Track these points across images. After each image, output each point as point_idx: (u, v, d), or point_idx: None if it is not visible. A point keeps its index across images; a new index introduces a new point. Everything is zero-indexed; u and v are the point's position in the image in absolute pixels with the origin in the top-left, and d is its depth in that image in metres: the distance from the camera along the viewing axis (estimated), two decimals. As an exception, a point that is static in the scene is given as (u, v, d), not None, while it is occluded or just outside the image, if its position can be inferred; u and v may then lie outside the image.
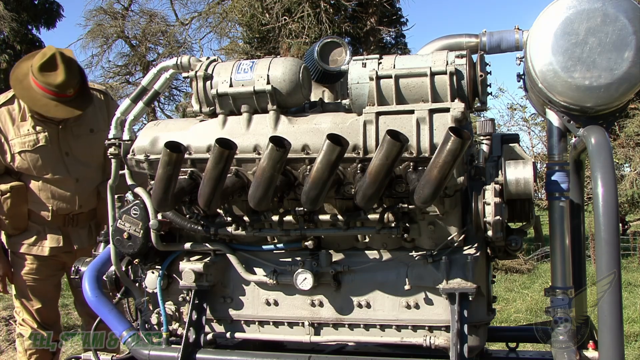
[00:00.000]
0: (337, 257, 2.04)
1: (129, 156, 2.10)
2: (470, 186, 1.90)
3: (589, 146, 1.76)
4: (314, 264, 2.00)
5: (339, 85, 2.36)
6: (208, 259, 2.11)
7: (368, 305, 2.01)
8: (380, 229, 1.91)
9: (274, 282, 2.04)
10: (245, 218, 2.02)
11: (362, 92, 1.88)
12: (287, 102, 2.00)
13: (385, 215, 1.89)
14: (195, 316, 2.10)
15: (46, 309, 3.28)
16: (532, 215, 2.00)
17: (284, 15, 11.17)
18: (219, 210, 2.05)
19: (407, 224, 1.91)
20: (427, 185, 1.66)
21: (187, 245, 2.13)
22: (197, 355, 2.05)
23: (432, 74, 1.82)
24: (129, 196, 2.16)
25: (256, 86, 1.97)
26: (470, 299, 1.89)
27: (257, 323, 2.14)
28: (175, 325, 2.18)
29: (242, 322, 2.15)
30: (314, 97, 2.25)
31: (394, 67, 1.87)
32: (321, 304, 2.06)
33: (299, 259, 2.04)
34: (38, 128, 3.08)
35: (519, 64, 2.03)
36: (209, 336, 2.17)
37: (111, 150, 2.15)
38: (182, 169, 1.88)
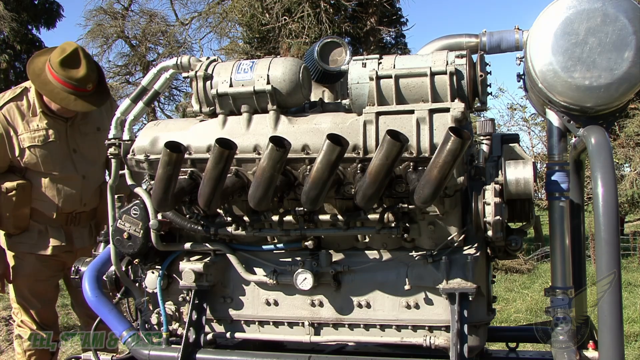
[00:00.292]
0: (337, 257, 2.04)
1: (129, 156, 2.10)
2: (470, 186, 1.90)
3: (589, 146, 1.76)
4: (314, 264, 2.00)
5: (339, 85, 2.36)
6: (208, 259, 2.11)
7: (368, 305, 2.01)
8: (380, 229, 1.91)
9: (274, 282, 2.04)
10: (245, 218, 2.02)
11: (362, 92, 1.88)
12: (287, 102, 2.00)
13: (385, 215, 1.89)
14: (195, 316, 2.10)
15: (45, 310, 3.28)
16: (532, 215, 2.00)
17: (284, 15, 11.17)
18: (219, 210, 2.05)
19: (407, 224, 1.91)
20: (427, 185, 1.66)
21: (187, 245, 2.13)
22: (197, 355, 2.05)
23: (432, 74, 1.81)
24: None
25: (256, 86, 1.97)
26: (470, 299, 1.89)
27: (257, 323, 2.14)
28: (175, 325, 2.18)
29: (242, 322, 2.15)
30: (314, 97, 2.25)
31: (394, 67, 1.87)
32: (321, 304, 2.06)
33: (299, 259, 2.04)
34: (47, 124, 3.10)
35: (519, 64, 2.03)
36: (209, 336, 2.17)
37: (111, 150, 2.15)
38: (182, 169, 1.88)
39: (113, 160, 2.16)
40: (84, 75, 2.98)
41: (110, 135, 2.17)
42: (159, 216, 2.07)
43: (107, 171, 3.35)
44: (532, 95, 2.04)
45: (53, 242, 3.18)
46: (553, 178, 1.98)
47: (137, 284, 2.23)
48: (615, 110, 1.92)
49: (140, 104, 2.18)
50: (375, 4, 11.70)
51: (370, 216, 1.91)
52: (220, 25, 14.74)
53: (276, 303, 2.09)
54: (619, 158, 10.96)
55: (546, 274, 9.30)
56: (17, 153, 3.06)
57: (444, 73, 1.81)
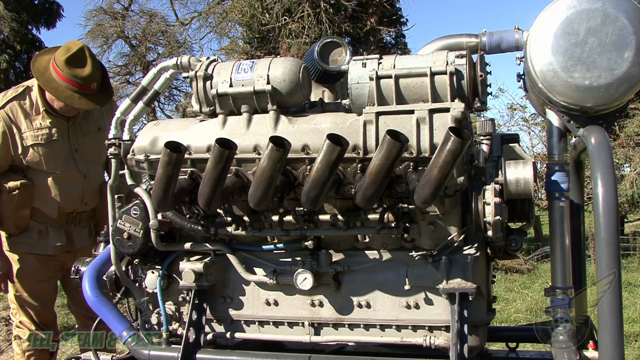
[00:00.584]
0: (337, 257, 2.04)
1: (129, 156, 2.10)
2: (470, 186, 1.90)
3: (589, 146, 1.76)
4: (314, 264, 2.00)
5: (339, 85, 2.36)
6: (208, 259, 2.11)
7: (368, 305, 2.01)
8: (380, 229, 1.91)
9: (274, 282, 2.04)
10: (245, 218, 2.02)
11: (362, 92, 1.88)
12: (287, 102, 2.00)
13: (385, 215, 1.88)
14: (195, 316, 2.10)
15: (44, 310, 3.28)
16: (532, 215, 2.00)
17: (284, 15, 11.17)
18: (219, 210, 2.05)
19: (407, 224, 1.91)
20: (427, 185, 1.66)
21: (187, 245, 2.13)
22: (197, 355, 2.05)
23: (432, 74, 1.81)
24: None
25: (256, 86, 1.97)
26: (470, 299, 1.89)
27: (257, 323, 2.14)
28: (175, 325, 2.18)
29: (242, 322, 2.15)
30: (314, 97, 2.25)
31: (394, 67, 1.87)
32: (321, 304, 2.06)
33: (299, 259, 2.04)
34: (51, 122, 3.11)
35: (519, 64, 2.03)
36: (209, 336, 2.17)
37: (111, 150, 2.15)
38: (182, 169, 1.88)
39: (113, 160, 2.16)
40: (89, 74, 2.99)
41: (111, 135, 2.17)
42: (159, 216, 2.07)
43: (106, 172, 3.35)
44: (532, 95, 2.04)
45: (54, 241, 3.18)
46: (553, 178, 1.98)
47: (137, 284, 2.23)
48: (615, 110, 1.92)
49: (140, 104, 2.18)
50: (375, 4, 11.70)
51: (370, 216, 1.91)
52: (220, 25, 14.73)
53: (276, 303, 2.09)
54: (619, 158, 10.97)
55: (546, 274, 9.29)
56: (19, 151, 3.06)
57: (444, 73, 1.81)
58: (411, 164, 1.80)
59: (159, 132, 2.07)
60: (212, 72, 2.04)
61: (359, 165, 1.84)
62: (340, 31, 11.12)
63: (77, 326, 3.65)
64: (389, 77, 1.84)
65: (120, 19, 17.58)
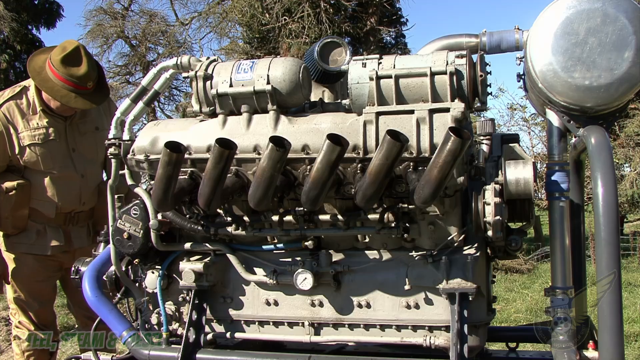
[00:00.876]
0: (337, 257, 2.04)
1: (129, 156, 2.10)
2: (470, 186, 1.90)
3: (589, 146, 1.76)
4: (314, 264, 2.00)
5: (339, 85, 2.36)
6: (208, 259, 2.11)
7: (368, 305, 2.01)
8: (380, 229, 1.91)
9: (274, 282, 2.04)
10: (245, 218, 2.02)
11: (362, 92, 1.88)
12: (287, 102, 2.00)
13: (385, 215, 1.88)
14: (195, 316, 2.10)
15: (44, 310, 3.27)
16: (532, 215, 2.00)
17: (284, 15, 11.17)
18: (219, 210, 2.05)
19: (407, 224, 1.91)
20: (427, 185, 1.66)
21: (187, 245, 2.13)
22: (197, 355, 2.05)
23: (432, 74, 1.81)
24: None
25: (256, 86, 1.97)
26: (470, 299, 1.89)
27: (257, 323, 2.14)
28: (175, 325, 2.18)
29: (242, 322, 2.15)
30: (314, 97, 2.25)
31: (394, 67, 1.87)
32: (321, 304, 2.06)
33: (299, 259, 2.04)
34: (48, 122, 3.10)
35: (519, 64, 2.02)
36: (209, 336, 2.17)
37: (111, 150, 2.15)
38: (182, 169, 1.88)
39: (113, 160, 2.16)
40: (85, 73, 2.98)
41: (111, 135, 2.17)
42: (159, 216, 2.07)
43: (104, 171, 3.35)
44: (532, 95, 2.04)
45: (52, 242, 3.18)
46: (553, 178, 1.98)
47: (137, 284, 2.23)
48: (615, 110, 1.92)
49: (140, 104, 2.18)
50: (375, 4, 11.70)
51: (370, 216, 1.91)
52: (220, 25, 14.73)
53: (276, 303, 2.09)
54: (619, 158, 10.97)
55: (546, 274, 9.29)
56: (17, 151, 3.06)
57: (444, 73, 1.81)
58: (411, 164, 1.80)
59: (159, 132, 2.07)
60: (212, 72, 2.04)
61: (359, 165, 1.84)
62: (340, 31, 11.12)
63: (77, 326, 3.66)
64: (389, 77, 1.84)
65: (120, 19, 17.58)
